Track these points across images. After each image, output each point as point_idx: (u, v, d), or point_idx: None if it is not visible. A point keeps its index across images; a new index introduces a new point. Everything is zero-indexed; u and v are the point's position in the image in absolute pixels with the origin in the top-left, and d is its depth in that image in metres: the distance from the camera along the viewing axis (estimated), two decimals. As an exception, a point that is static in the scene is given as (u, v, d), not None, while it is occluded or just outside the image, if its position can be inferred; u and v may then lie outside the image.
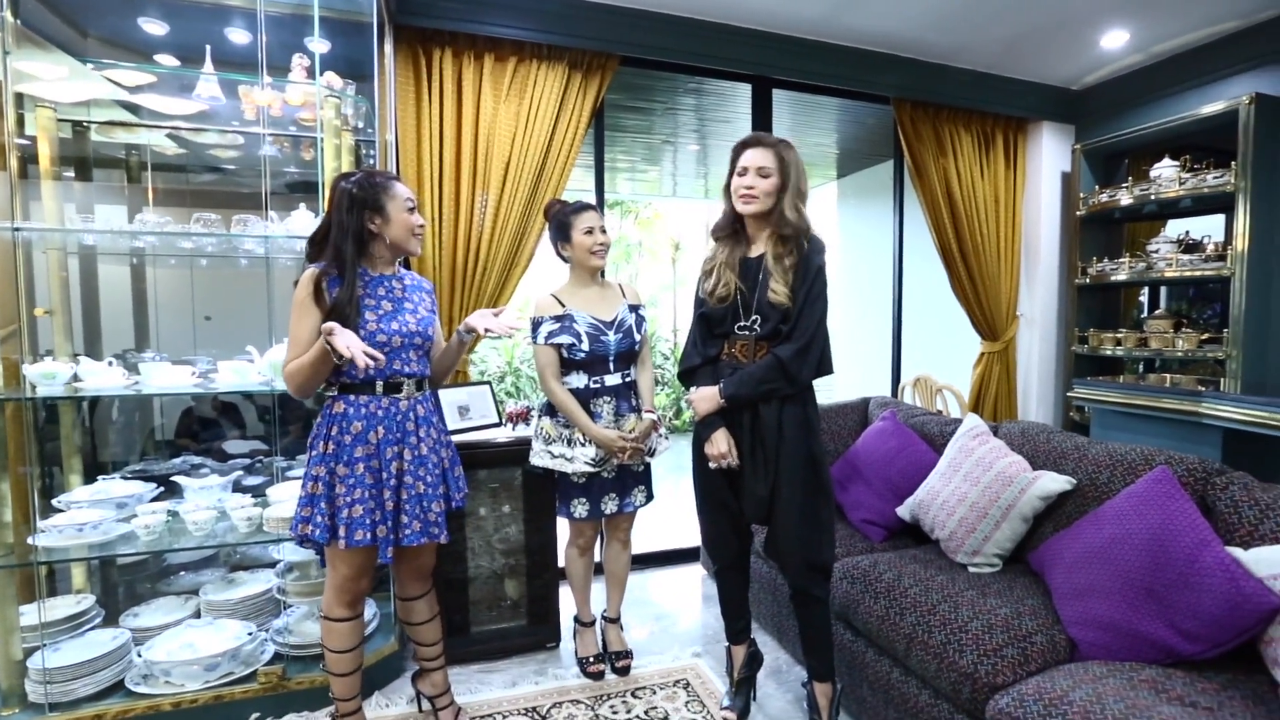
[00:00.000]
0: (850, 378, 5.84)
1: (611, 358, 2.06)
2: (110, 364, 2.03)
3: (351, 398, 1.64)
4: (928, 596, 1.75)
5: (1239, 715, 1.26)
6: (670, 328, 9.35)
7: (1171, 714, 1.25)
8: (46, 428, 2.28)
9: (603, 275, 2.21)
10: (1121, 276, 3.31)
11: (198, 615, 2.17)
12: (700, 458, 1.84)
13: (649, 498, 2.20)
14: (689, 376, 1.87)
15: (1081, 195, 3.49)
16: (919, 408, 2.74)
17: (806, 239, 1.76)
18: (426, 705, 1.95)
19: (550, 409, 2.10)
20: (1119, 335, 3.34)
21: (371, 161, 2.47)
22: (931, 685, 1.65)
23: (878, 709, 1.83)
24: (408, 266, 2.58)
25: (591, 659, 2.20)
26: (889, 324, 3.72)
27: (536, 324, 2.06)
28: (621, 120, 4.38)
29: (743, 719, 1.94)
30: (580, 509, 2.10)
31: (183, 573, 2.44)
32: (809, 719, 1.88)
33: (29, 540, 1.88)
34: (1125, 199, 3.27)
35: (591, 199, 3.01)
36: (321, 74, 2.17)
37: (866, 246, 5.54)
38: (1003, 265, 3.60)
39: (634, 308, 2.16)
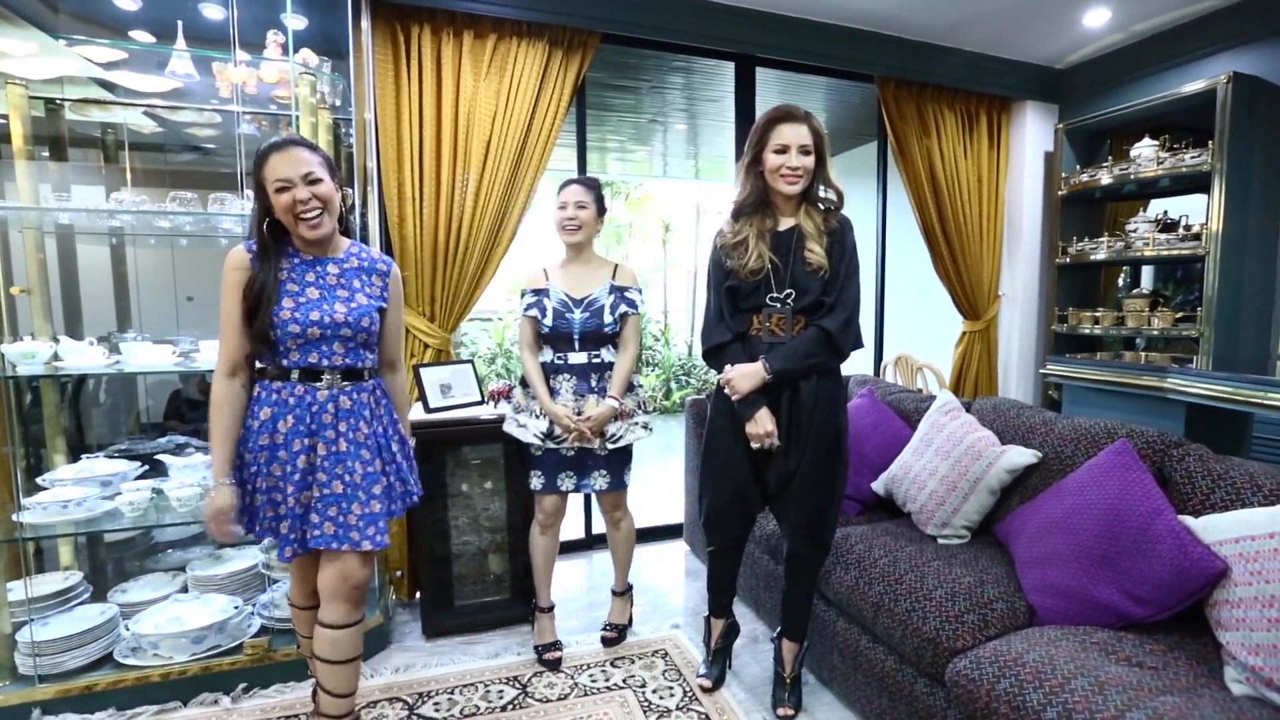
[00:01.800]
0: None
1: (576, 336, 2.07)
2: (91, 344, 2.04)
3: (266, 382, 1.52)
4: (895, 567, 1.81)
5: (1182, 674, 1.32)
6: (660, 309, 9.36)
7: (1118, 673, 1.30)
8: (31, 409, 2.29)
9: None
10: (1101, 256, 3.35)
11: (185, 591, 2.21)
12: (725, 436, 1.81)
13: (614, 484, 2.16)
14: (717, 354, 1.81)
15: (1063, 175, 3.51)
16: (897, 385, 2.78)
17: (839, 211, 1.78)
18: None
19: (523, 380, 2.16)
20: (1097, 314, 3.38)
21: (350, 141, 2.46)
22: (897, 651, 1.70)
23: (847, 674, 1.89)
24: (387, 248, 2.57)
25: (544, 647, 2.17)
26: (872, 303, 3.76)
27: (523, 294, 2.13)
28: (608, 99, 4.35)
29: (718, 686, 2.00)
30: (536, 481, 2.13)
31: (170, 550, 2.48)
32: (773, 669, 1.95)
33: (14, 518, 1.91)
34: (1105, 178, 3.29)
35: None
36: (297, 51, 2.16)
37: (858, 226, 5.55)
38: (985, 245, 3.62)
39: (619, 289, 2.12)
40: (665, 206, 9.69)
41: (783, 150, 1.71)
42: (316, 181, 1.47)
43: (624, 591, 2.34)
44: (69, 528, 1.97)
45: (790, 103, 1.76)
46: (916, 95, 3.39)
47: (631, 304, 2.12)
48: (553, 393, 2.08)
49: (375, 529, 1.52)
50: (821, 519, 1.79)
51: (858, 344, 1.77)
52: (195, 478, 2.11)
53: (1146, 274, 3.82)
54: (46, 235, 2.28)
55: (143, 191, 2.56)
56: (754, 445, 1.75)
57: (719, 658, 2.05)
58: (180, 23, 2.11)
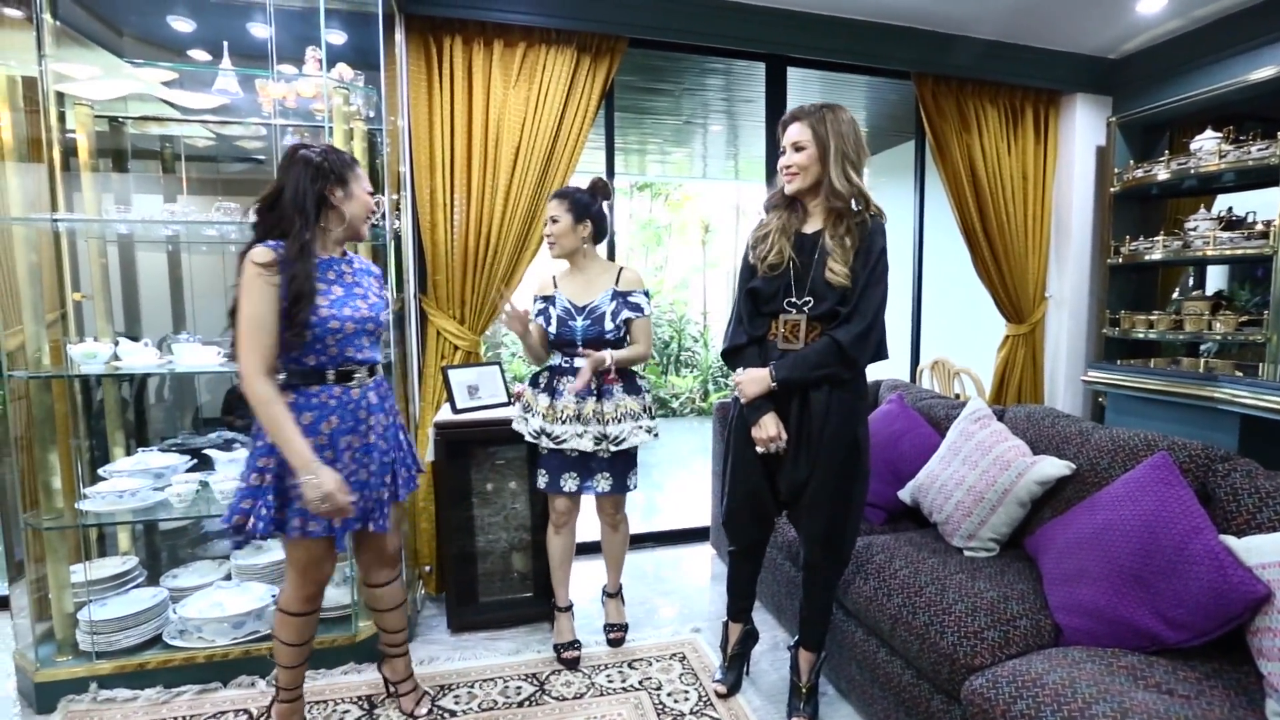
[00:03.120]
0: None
1: (579, 342, 2.10)
2: (146, 345, 2.18)
3: (301, 388, 1.55)
4: (916, 579, 1.76)
5: (1217, 704, 1.24)
6: (700, 310, 9.33)
7: (1145, 700, 1.24)
8: (95, 404, 2.46)
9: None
10: (1156, 256, 3.17)
11: (228, 578, 2.33)
12: (739, 440, 1.81)
13: (617, 487, 2.16)
14: (734, 356, 1.81)
15: (1116, 170, 3.34)
16: (929, 391, 2.70)
17: (869, 215, 1.69)
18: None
19: (534, 379, 2.20)
20: (1152, 317, 3.20)
21: (385, 150, 2.55)
22: (914, 665, 1.66)
23: (865, 687, 1.85)
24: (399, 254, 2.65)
25: (563, 646, 2.19)
26: (908, 306, 3.65)
27: (535, 300, 2.20)
28: (642, 102, 4.37)
29: (733, 692, 1.99)
30: (541, 480, 2.17)
31: (216, 539, 2.62)
32: (789, 678, 1.92)
33: (76, 505, 2.06)
34: (1162, 174, 3.11)
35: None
36: (335, 65, 2.25)
37: (896, 225, 5.41)
38: (1030, 244, 3.47)
39: (621, 295, 2.11)
40: (705, 207, 9.65)
41: (784, 152, 1.73)
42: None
43: (617, 593, 2.36)
44: (125, 516, 2.12)
45: (830, 100, 1.74)
46: (956, 91, 3.28)
47: (636, 308, 2.12)
48: (555, 393, 2.11)
49: (380, 514, 1.66)
50: (838, 531, 1.75)
51: (878, 356, 1.70)
52: (237, 472, 2.22)
53: (1214, 275, 3.59)
54: (109, 244, 2.46)
55: (197, 199, 2.74)
56: (759, 449, 1.74)
57: (735, 663, 2.04)
58: (226, 43, 2.24)
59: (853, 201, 1.69)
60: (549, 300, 2.15)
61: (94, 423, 2.43)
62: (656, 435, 2.18)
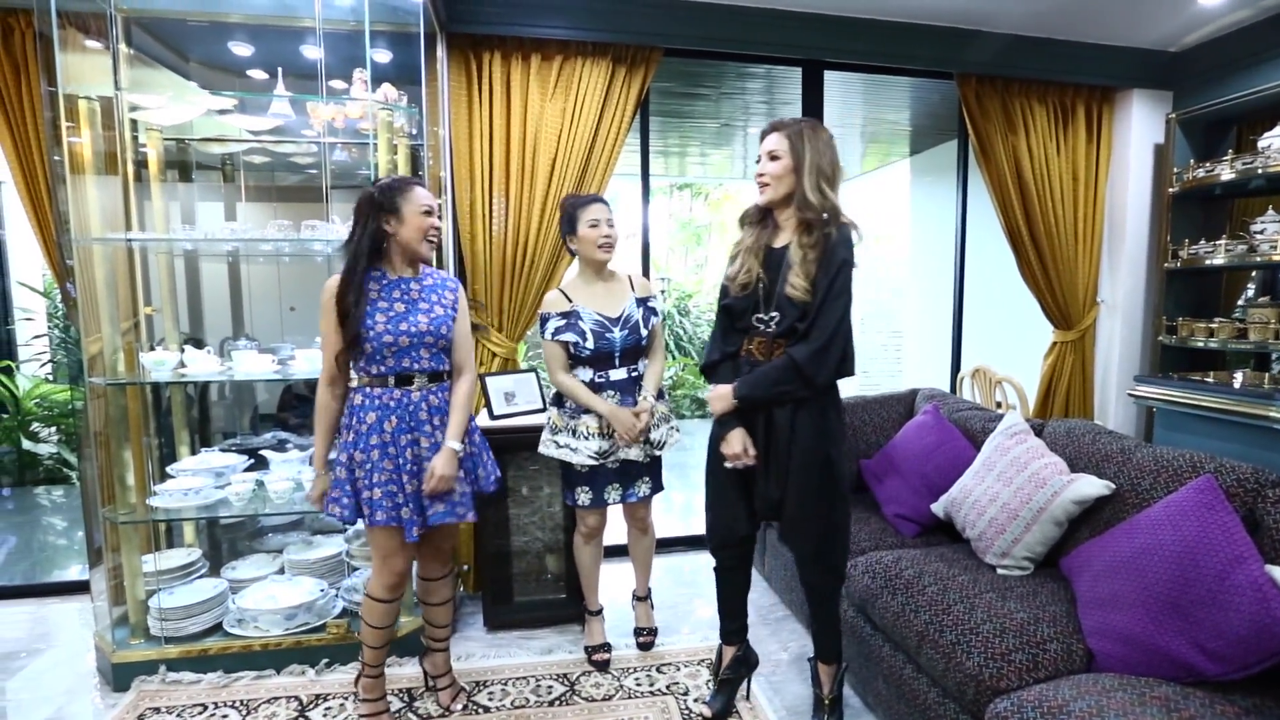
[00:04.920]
0: (916, 364, 5.62)
1: (617, 354, 2.09)
2: (209, 352, 2.34)
3: (367, 390, 1.76)
4: (945, 596, 1.75)
5: (1254, 741, 1.20)
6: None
7: (1176, 733, 1.21)
8: (164, 403, 2.65)
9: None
10: (1219, 260, 3.01)
11: (282, 571, 2.48)
12: (713, 455, 1.83)
13: (655, 488, 2.22)
14: (710, 372, 1.84)
15: (1175, 170, 3.18)
16: (966, 401, 2.65)
17: (834, 227, 1.65)
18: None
19: (559, 399, 2.16)
20: (1212, 325, 3.04)
21: (429, 163, 2.65)
22: (940, 684, 1.65)
23: (891, 703, 1.85)
24: (459, 268, 2.75)
25: (594, 648, 2.24)
26: (950, 311, 3.57)
27: (544, 319, 2.09)
28: (681, 107, 4.39)
29: (720, 719, 1.93)
30: (584, 497, 2.14)
31: (271, 534, 2.79)
32: (812, 690, 1.93)
33: (147, 502, 2.24)
34: (1227, 173, 2.95)
35: (638, 183, 3.09)
36: (380, 84, 2.36)
37: (939, 225, 5.28)
38: (1080, 248, 3.35)
39: (643, 300, 2.15)
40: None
41: (759, 160, 1.72)
42: (439, 215, 1.83)
43: (646, 596, 2.38)
44: (190, 513, 2.28)
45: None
46: (1002, 90, 3.18)
47: (654, 311, 2.17)
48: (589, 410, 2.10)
49: (465, 506, 1.83)
50: (827, 548, 1.74)
51: (841, 373, 1.67)
52: (291, 472, 2.36)
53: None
54: (176, 257, 2.64)
55: (254, 206, 2.93)
56: (726, 464, 1.75)
57: (725, 688, 1.97)
58: (280, 69, 2.37)
59: (824, 215, 1.66)
60: (571, 316, 2.07)
61: (162, 420, 2.62)
62: (680, 432, 2.25)
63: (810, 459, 1.68)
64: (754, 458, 1.73)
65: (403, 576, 1.83)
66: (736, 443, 1.72)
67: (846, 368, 1.68)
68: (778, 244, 1.74)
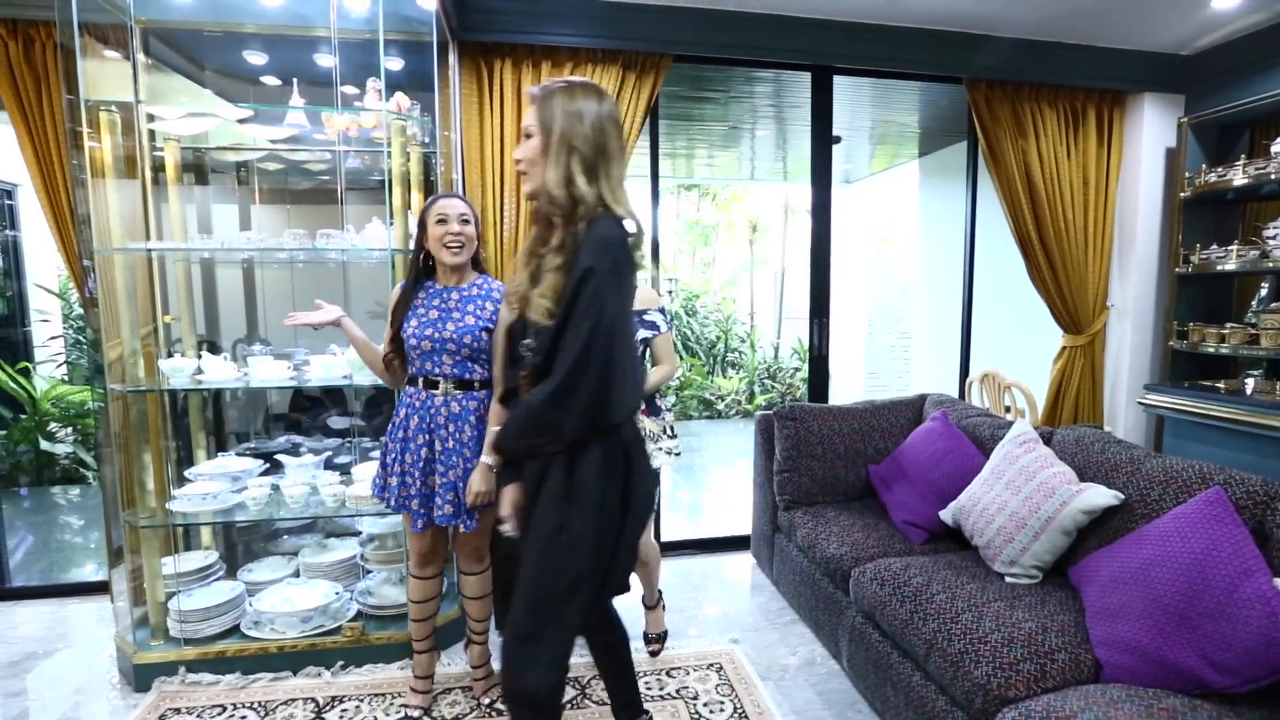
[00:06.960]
0: (924, 366, 5.61)
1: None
2: (225, 358, 2.37)
3: (406, 388, 1.93)
4: (953, 604, 1.76)
5: (1261, 754, 1.21)
6: (747, 310, 9.28)
7: (1183, 746, 1.22)
8: (182, 409, 2.70)
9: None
10: (1231, 266, 3.00)
11: (297, 574, 2.52)
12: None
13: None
14: (502, 406, 1.58)
15: (1187, 175, 3.17)
16: (975, 408, 2.65)
17: (588, 222, 1.25)
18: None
19: None
20: (1224, 330, 3.03)
21: (440, 169, 2.68)
22: (948, 692, 1.67)
23: (900, 710, 1.86)
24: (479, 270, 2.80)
25: None
26: (959, 316, 3.57)
27: None
28: (690, 110, 4.40)
29: None
30: None
31: (286, 536, 2.83)
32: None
33: (166, 506, 2.28)
34: (1239, 178, 2.93)
35: (648, 185, 3.10)
36: (393, 92, 2.38)
37: (948, 226, 5.26)
38: (1090, 252, 3.34)
39: (637, 314, 2.06)
40: (753, 205, 9.58)
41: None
42: (467, 221, 1.86)
43: (655, 604, 2.40)
44: (207, 517, 2.32)
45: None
46: (1011, 95, 3.18)
47: (651, 325, 2.11)
48: None
49: (470, 516, 1.88)
50: (511, 663, 1.34)
51: (597, 420, 1.26)
52: (305, 476, 2.40)
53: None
54: (193, 265, 2.67)
55: (268, 208, 2.97)
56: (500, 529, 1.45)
57: None
58: (295, 80, 2.40)
59: (577, 210, 1.27)
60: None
61: (179, 421, 2.66)
62: (678, 455, 2.19)
63: (540, 528, 1.31)
64: (518, 528, 1.40)
65: (425, 556, 1.97)
66: (505, 503, 1.41)
67: (604, 414, 1.26)
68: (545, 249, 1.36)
